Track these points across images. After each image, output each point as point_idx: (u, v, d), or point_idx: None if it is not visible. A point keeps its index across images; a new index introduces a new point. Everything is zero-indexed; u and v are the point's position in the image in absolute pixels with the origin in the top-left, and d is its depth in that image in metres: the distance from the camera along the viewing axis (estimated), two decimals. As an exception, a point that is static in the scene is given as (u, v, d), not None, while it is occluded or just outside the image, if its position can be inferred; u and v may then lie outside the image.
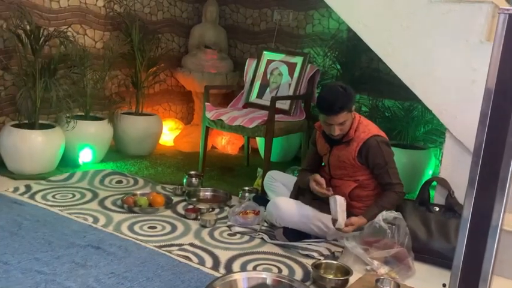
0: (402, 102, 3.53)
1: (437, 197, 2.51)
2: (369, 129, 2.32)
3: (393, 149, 2.41)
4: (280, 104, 3.30)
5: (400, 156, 2.88)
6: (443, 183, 2.47)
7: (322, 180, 2.35)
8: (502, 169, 1.37)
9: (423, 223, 2.35)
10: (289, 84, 3.42)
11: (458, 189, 2.41)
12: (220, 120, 3.21)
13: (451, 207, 2.40)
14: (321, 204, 2.37)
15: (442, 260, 2.24)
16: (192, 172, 3.21)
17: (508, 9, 1.37)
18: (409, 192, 3.15)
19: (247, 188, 3.01)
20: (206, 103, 3.36)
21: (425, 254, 2.29)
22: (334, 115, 2.23)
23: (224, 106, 3.65)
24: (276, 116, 3.13)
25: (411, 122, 3.39)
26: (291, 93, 3.39)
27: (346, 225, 2.24)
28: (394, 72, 2.56)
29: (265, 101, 3.40)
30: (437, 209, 2.42)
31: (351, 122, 2.31)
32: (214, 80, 4.04)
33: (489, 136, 1.38)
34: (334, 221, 2.24)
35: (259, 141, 3.94)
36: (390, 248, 2.16)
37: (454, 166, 2.44)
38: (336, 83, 2.39)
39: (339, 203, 2.23)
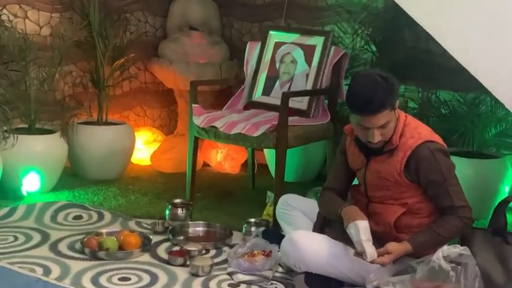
0: (464, 94, 3.52)
1: (517, 223, 2.50)
2: (418, 132, 2.32)
3: (454, 158, 2.43)
4: (294, 103, 3.30)
5: (463, 168, 2.87)
6: (525, 203, 2.46)
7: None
8: None
9: (499, 260, 2.33)
10: (307, 75, 3.42)
11: (547, 212, 2.40)
12: (214, 127, 3.21)
13: (537, 237, 2.37)
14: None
15: (527, 311, 2.22)
16: (177, 200, 3.20)
17: None
18: (478, 218, 3.11)
19: (253, 220, 3.00)
20: (193, 105, 3.35)
21: (504, 302, 2.27)
22: (371, 115, 2.22)
23: (218, 108, 3.65)
24: (290, 119, 3.12)
25: (477, 121, 3.38)
26: (309, 87, 3.39)
27: (381, 255, 2.24)
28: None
29: (275, 98, 3.38)
30: (517, 239, 2.40)
31: (395, 123, 2.30)
32: (203, 72, 4.04)
33: None
34: (360, 254, 2.25)
35: (269, 155, 3.93)
36: (455, 296, 2.14)
37: (539, 179, 2.42)
38: (372, 70, 2.42)
39: (361, 229, 2.24)
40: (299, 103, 3.36)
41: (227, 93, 4.12)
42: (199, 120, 3.27)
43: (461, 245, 2.22)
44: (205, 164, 4.23)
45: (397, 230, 2.36)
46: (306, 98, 3.38)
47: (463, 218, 2.30)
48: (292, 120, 3.18)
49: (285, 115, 3.04)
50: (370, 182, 2.39)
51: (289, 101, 3.10)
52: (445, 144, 2.37)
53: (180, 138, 4.14)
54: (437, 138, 2.35)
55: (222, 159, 4.18)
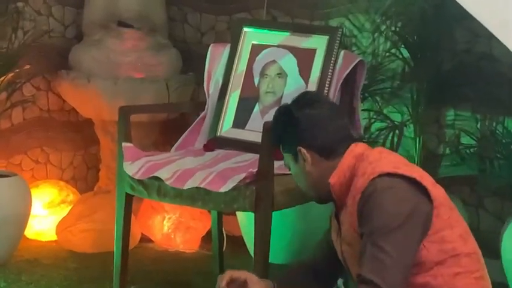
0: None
1: None
2: (373, 167, 2.41)
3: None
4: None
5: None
6: None
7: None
8: None
9: None
10: (303, 96, 3.48)
11: None
12: (157, 179, 3.21)
13: None
14: None
15: None
16: (99, 297, 3.17)
17: None
18: None
19: (221, 328, 2.97)
20: (124, 144, 3.37)
21: None
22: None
23: (165, 149, 3.74)
24: (278, 164, 3.11)
25: None
26: (307, 113, 3.44)
27: None
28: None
29: (253, 132, 3.46)
30: None
31: (301, 173, 2.56)
32: (140, 93, 4.14)
33: None
34: None
35: (245, 222, 3.96)
36: None
37: None
38: (290, 105, 2.56)
39: None
40: (291, 139, 3.39)
41: (178, 125, 4.20)
42: (134, 168, 3.28)
43: None
44: (145, 238, 4.30)
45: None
46: (302, 132, 3.41)
47: None
48: (281, 166, 3.08)
49: (269, 158, 3.07)
50: (346, 253, 2.52)
51: (276, 137, 3.12)
52: (423, 182, 2.30)
53: (104, 198, 4.20)
54: (409, 172, 2.34)
55: (171, 230, 4.22)
